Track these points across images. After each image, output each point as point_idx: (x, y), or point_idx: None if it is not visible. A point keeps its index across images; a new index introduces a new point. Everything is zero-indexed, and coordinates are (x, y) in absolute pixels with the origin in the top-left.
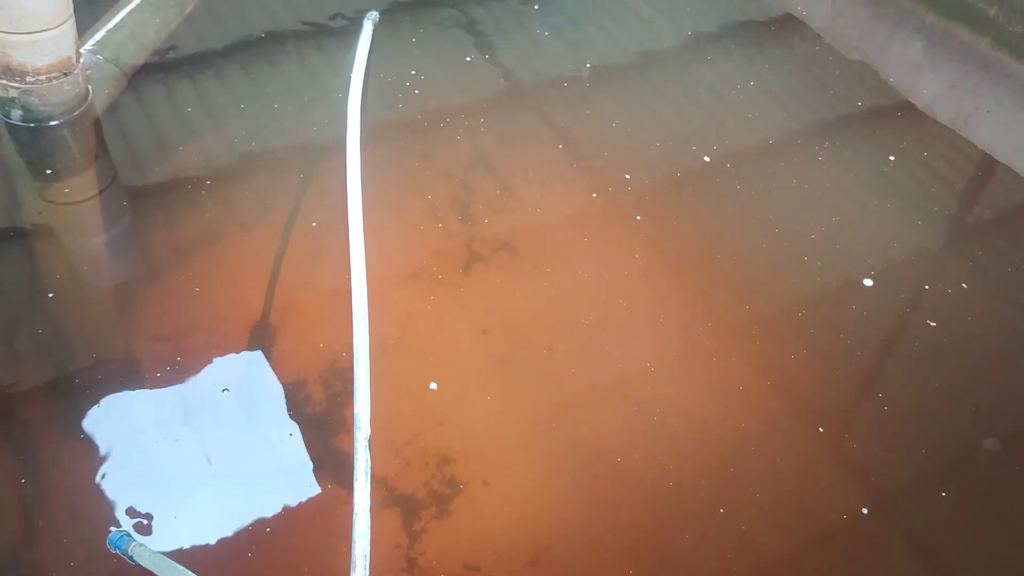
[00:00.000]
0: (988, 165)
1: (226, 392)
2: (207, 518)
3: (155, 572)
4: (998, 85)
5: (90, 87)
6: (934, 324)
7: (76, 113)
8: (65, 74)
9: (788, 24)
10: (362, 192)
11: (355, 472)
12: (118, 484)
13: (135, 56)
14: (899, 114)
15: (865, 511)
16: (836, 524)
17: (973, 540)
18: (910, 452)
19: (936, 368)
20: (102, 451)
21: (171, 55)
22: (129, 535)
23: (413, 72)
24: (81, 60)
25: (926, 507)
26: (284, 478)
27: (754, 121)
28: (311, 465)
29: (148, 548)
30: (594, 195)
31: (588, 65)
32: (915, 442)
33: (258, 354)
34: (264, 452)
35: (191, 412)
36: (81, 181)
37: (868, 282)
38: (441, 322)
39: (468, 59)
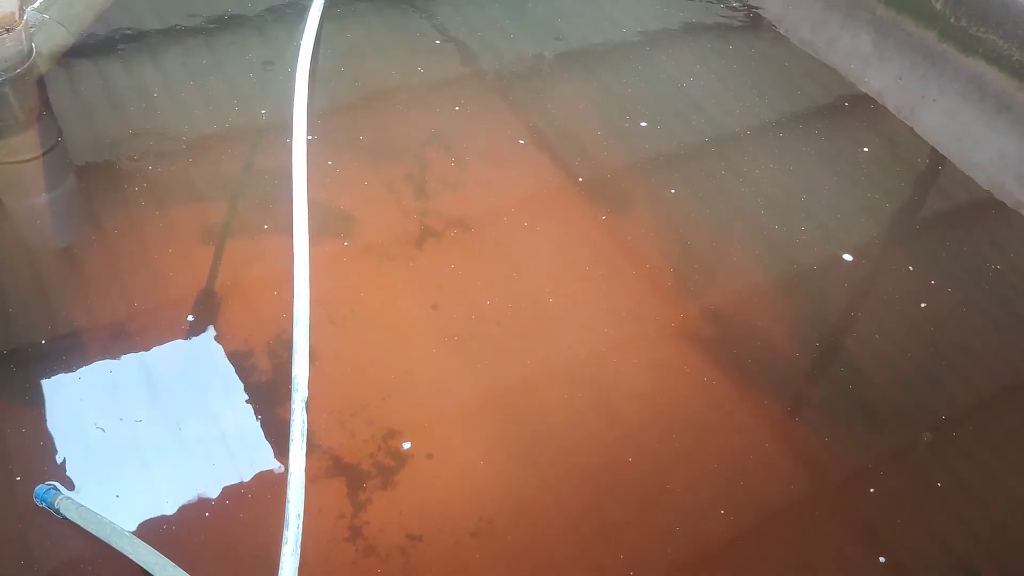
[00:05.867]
0: (932, 154)
1: (173, 359)
2: (148, 482)
3: (82, 525)
4: (943, 76)
5: (34, 45)
6: (890, 303)
7: (18, 71)
8: (7, 30)
9: (746, 17)
10: (315, 164)
11: (291, 433)
12: (54, 444)
13: (82, 17)
14: (851, 104)
15: (808, 490)
16: (781, 503)
17: (915, 521)
18: (856, 434)
19: (886, 348)
20: (36, 414)
21: (119, 18)
22: (56, 488)
23: (369, 47)
24: (25, 18)
25: (869, 489)
26: (229, 445)
27: (709, 110)
28: (256, 432)
29: (75, 501)
30: (550, 176)
31: (551, 51)
32: (859, 423)
33: (205, 322)
34: (208, 420)
35: (132, 380)
36: (23, 141)
37: (846, 257)
38: (392, 296)
39: (428, 37)
